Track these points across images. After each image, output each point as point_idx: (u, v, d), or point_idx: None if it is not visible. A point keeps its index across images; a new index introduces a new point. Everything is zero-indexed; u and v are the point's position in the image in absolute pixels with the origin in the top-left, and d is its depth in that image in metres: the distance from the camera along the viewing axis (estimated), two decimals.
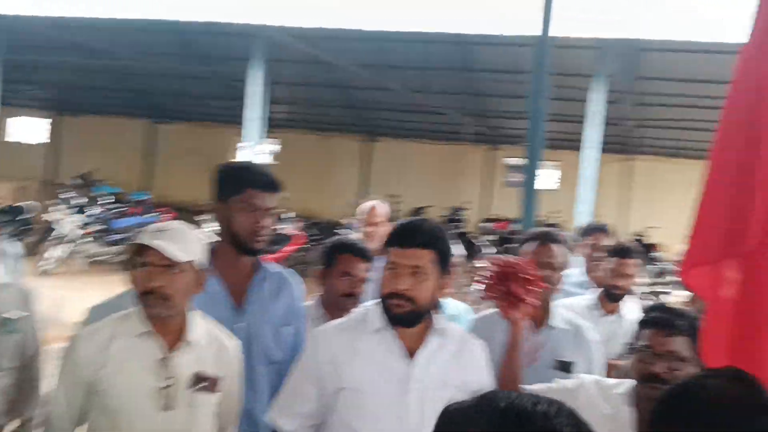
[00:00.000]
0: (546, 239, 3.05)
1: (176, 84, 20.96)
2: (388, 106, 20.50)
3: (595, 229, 4.30)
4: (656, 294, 8.66)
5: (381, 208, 4.40)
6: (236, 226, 2.63)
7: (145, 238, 2.25)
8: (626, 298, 3.91)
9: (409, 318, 2.23)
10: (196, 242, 2.35)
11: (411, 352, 2.24)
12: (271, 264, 2.83)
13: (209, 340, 2.38)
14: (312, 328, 2.99)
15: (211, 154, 24.74)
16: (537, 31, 10.86)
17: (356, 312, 2.40)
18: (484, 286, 2.57)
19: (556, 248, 3.05)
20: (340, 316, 3.05)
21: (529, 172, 4.26)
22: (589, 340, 3.03)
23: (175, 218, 12.81)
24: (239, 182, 2.65)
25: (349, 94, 20.74)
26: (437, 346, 2.27)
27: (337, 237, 3.59)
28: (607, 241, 4.22)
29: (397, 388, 2.20)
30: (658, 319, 2.50)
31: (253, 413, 2.60)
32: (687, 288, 2.34)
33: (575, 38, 9.40)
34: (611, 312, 3.87)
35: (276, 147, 20.78)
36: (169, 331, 2.30)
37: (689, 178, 21.19)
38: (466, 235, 19.69)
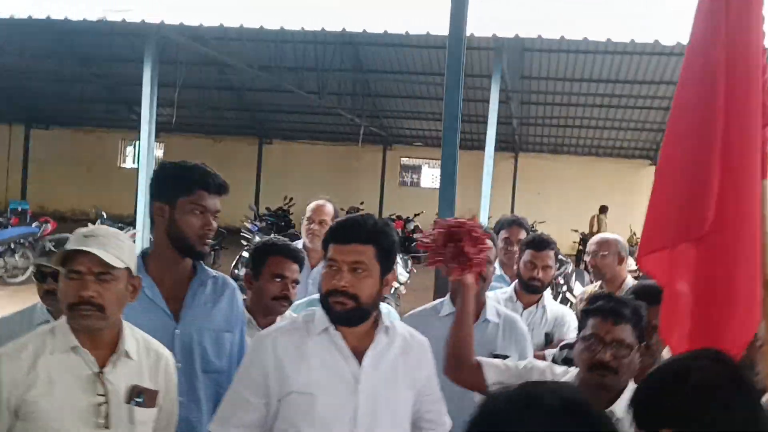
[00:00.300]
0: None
1: (54, 86, 19.94)
2: (283, 108, 20.35)
3: (510, 223, 4.39)
4: (559, 286, 8.97)
5: (328, 207, 4.31)
6: (185, 228, 2.53)
7: (77, 244, 2.11)
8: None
9: (352, 316, 2.16)
10: (128, 247, 2.22)
11: (359, 352, 2.18)
12: (209, 268, 2.73)
13: (144, 351, 2.25)
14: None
15: (92, 160, 23.77)
16: (426, 31, 11.28)
17: (302, 314, 2.33)
18: (428, 250, 2.48)
19: (488, 241, 3.03)
20: (270, 321, 2.98)
21: (447, 173, 4.30)
22: (522, 332, 3.09)
23: (55, 229, 12.23)
24: (190, 183, 2.55)
25: (243, 95, 20.44)
26: (385, 344, 2.22)
27: (267, 238, 3.48)
28: (522, 235, 4.30)
29: (347, 390, 2.14)
30: (605, 308, 2.59)
31: (194, 425, 2.49)
32: (644, 272, 2.43)
33: (478, 38, 9.63)
34: (530, 304, 3.89)
35: (160, 152, 20.19)
36: (101, 343, 2.16)
37: (570, 174, 22.31)
38: None
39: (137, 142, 23.65)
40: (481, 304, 3.02)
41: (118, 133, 24.41)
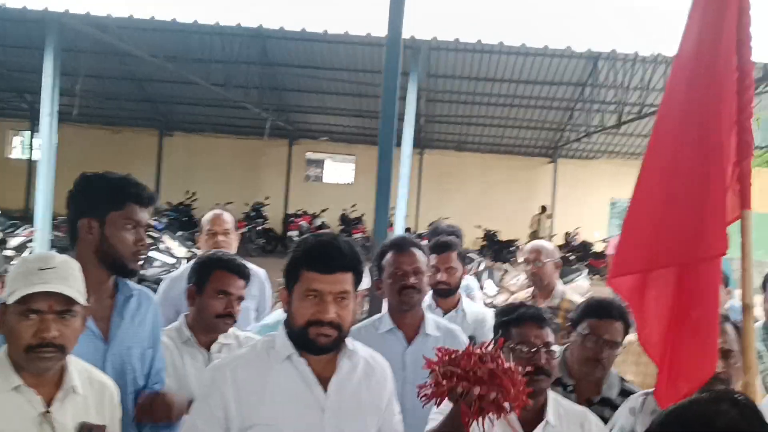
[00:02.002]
0: (407, 245, 3.01)
1: None
2: (186, 100, 19.83)
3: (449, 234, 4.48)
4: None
5: (227, 215, 4.20)
6: (118, 245, 2.39)
7: (35, 280, 1.95)
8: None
9: (334, 347, 2.09)
10: (81, 275, 2.08)
11: (323, 379, 2.10)
12: (129, 282, 2.57)
13: (88, 383, 2.13)
14: (173, 353, 2.81)
15: None
16: (335, 28, 11.32)
17: (261, 340, 2.23)
18: (430, 388, 1.96)
19: (418, 253, 3.01)
20: (211, 339, 2.90)
21: (383, 171, 4.34)
22: (463, 344, 2.99)
23: None
24: (120, 196, 2.40)
25: (145, 86, 19.77)
26: (348, 369, 2.15)
27: (213, 251, 3.35)
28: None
29: (313, 419, 2.06)
30: (603, 310, 2.72)
31: None
32: (616, 293, 2.56)
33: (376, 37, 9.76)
34: (449, 309, 3.83)
35: (54, 141, 19.22)
36: (45, 380, 2.02)
37: (473, 170, 22.85)
38: (271, 231, 19.66)
39: (28, 132, 22.61)
40: (419, 318, 3.01)
41: (5, 122, 23.13)
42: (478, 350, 1.94)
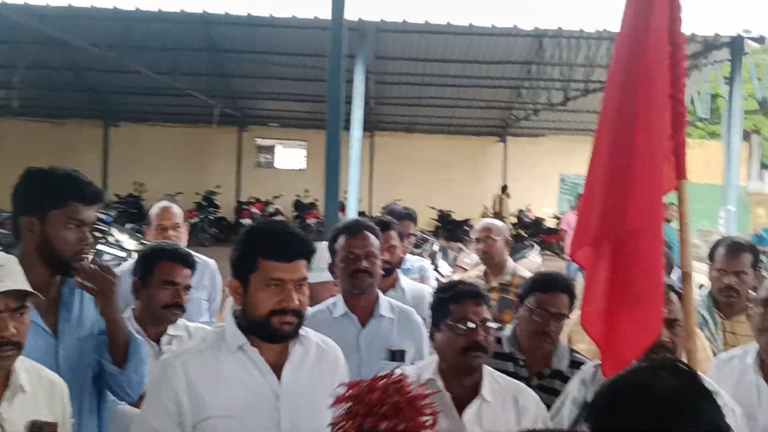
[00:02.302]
0: (358, 229, 3.03)
1: None
2: (131, 90, 19.37)
3: (402, 216, 4.51)
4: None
5: (175, 208, 4.10)
6: (59, 245, 2.34)
7: None
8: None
9: (295, 334, 2.10)
10: (20, 269, 2.03)
11: (276, 366, 2.10)
12: None
13: (36, 380, 2.09)
14: None
15: None
16: (281, 11, 11.21)
17: (209, 331, 2.21)
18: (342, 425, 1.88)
19: (371, 236, 3.03)
20: (161, 330, 2.89)
21: (332, 156, 4.35)
22: (417, 324, 3.09)
23: None
24: (62, 194, 2.34)
25: (87, 77, 19.26)
26: (300, 356, 2.15)
27: (156, 242, 3.32)
28: (412, 228, 4.44)
29: (269, 408, 2.06)
30: (549, 283, 2.77)
31: None
32: (579, 265, 2.60)
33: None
34: (387, 288, 3.76)
35: None
36: None
37: (424, 152, 22.93)
38: (223, 220, 19.47)
39: None
40: (373, 301, 3.02)
41: None
42: (383, 381, 1.91)
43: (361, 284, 2.96)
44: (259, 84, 19.42)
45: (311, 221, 18.41)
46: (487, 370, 2.51)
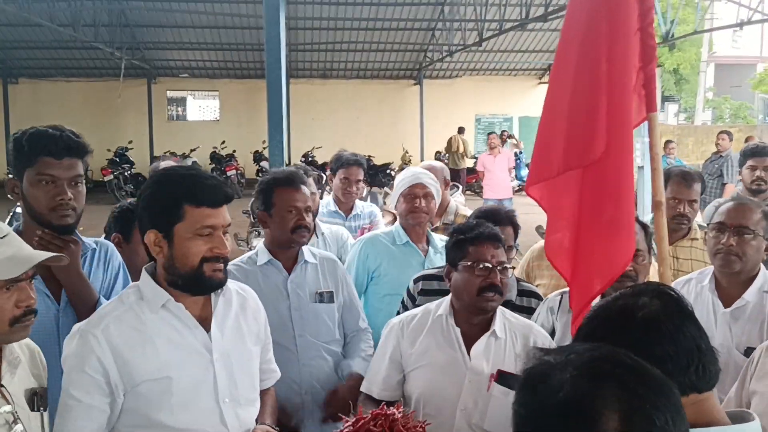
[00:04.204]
0: (298, 181, 3.00)
1: None
2: (30, 44, 18.39)
3: (351, 163, 4.48)
4: None
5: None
6: (33, 203, 2.29)
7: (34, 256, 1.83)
8: None
9: (225, 282, 2.04)
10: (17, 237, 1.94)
11: (202, 321, 2.02)
12: (85, 238, 2.48)
13: (24, 348, 2.00)
14: None
15: None
16: None
17: (123, 293, 2.07)
18: None
19: (307, 190, 3.02)
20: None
21: (273, 105, 4.30)
22: (339, 267, 3.11)
23: None
24: (31, 151, 2.27)
25: None
26: (224, 306, 2.10)
27: (133, 200, 3.23)
28: (361, 175, 4.42)
29: (203, 363, 2.00)
30: (494, 218, 2.81)
31: None
32: (534, 200, 2.60)
33: None
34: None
35: None
36: None
37: (340, 97, 22.76)
38: (139, 176, 18.90)
39: None
40: (297, 249, 3.03)
41: None
42: (384, 415, 2.07)
43: (300, 239, 2.96)
44: (165, 33, 18.78)
45: (231, 173, 18.11)
46: (500, 310, 2.56)
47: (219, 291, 2.05)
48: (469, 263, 2.47)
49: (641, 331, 1.34)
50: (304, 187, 3.00)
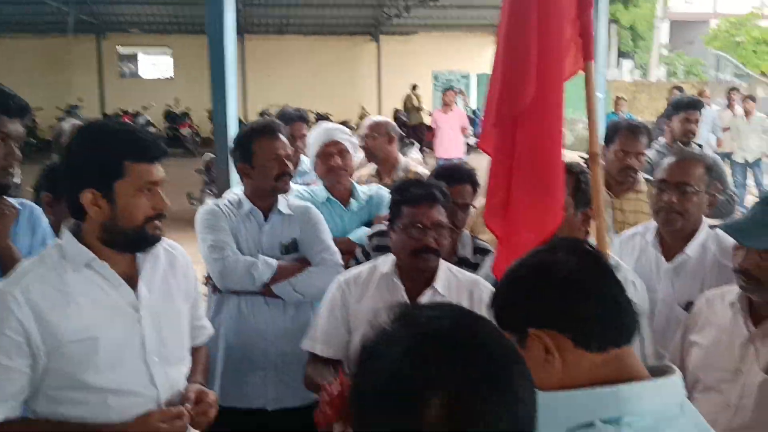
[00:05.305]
0: (274, 130, 3.01)
1: None
2: None
3: (295, 119, 4.44)
4: None
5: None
6: None
7: None
8: None
9: (161, 238, 2.00)
10: None
11: (128, 278, 1.97)
12: (11, 200, 2.40)
13: None
14: None
15: None
16: None
17: (45, 252, 1.99)
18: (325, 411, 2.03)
19: (283, 137, 3.03)
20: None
21: (216, 62, 4.21)
22: (316, 215, 3.12)
23: None
24: None
25: None
26: (151, 263, 2.05)
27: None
28: (305, 130, 4.37)
29: (129, 322, 1.96)
30: (452, 175, 2.79)
31: None
32: (485, 152, 2.55)
33: None
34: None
35: None
36: None
37: (297, 55, 22.39)
38: None
39: None
40: (272, 202, 3.05)
41: None
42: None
43: (284, 186, 3.01)
44: None
45: (185, 131, 17.82)
46: (445, 265, 2.55)
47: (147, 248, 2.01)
48: (402, 225, 2.45)
49: (558, 290, 1.31)
50: (281, 135, 3.02)
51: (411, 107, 18.74)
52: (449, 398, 0.92)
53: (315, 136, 3.57)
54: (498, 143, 2.40)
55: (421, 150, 15.66)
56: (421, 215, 2.42)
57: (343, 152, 3.56)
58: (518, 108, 2.28)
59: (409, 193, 2.47)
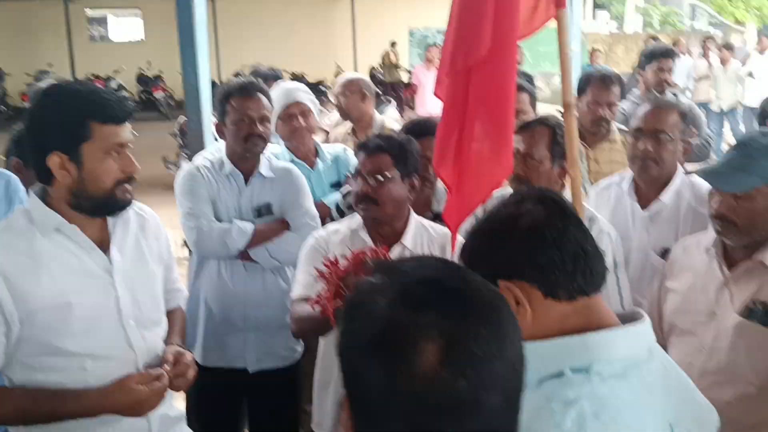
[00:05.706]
0: (253, 90, 2.96)
1: None
2: None
3: (267, 78, 4.38)
4: None
5: None
6: None
7: None
8: None
9: (131, 201, 1.98)
10: None
11: (98, 242, 1.95)
12: None
13: None
14: None
15: None
16: None
17: (11, 218, 1.94)
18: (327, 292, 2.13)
19: (264, 99, 2.98)
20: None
21: (185, 21, 4.11)
22: (297, 178, 3.10)
23: None
24: None
25: None
26: (122, 226, 2.02)
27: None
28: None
29: (103, 286, 1.94)
30: (422, 129, 2.79)
31: None
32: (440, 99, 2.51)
33: None
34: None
35: None
36: None
37: (270, 13, 22.06)
38: None
39: None
40: (254, 163, 3.03)
41: None
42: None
43: (253, 148, 2.95)
44: None
45: (159, 95, 17.55)
46: (415, 219, 2.55)
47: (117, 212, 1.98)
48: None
49: (524, 239, 1.30)
50: (260, 95, 2.95)
51: (389, 64, 18.57)
52: (444, 342, 0.89)
53: (275, 98, 3.47)
54: (451, 92, 2.35)
55: (400, 108, 15.55)
56: (364, 164, 2.47)
57: (305, 113, 3.50)
58: (473, 59, 2.24)
59: (359, 144, 2.58)
